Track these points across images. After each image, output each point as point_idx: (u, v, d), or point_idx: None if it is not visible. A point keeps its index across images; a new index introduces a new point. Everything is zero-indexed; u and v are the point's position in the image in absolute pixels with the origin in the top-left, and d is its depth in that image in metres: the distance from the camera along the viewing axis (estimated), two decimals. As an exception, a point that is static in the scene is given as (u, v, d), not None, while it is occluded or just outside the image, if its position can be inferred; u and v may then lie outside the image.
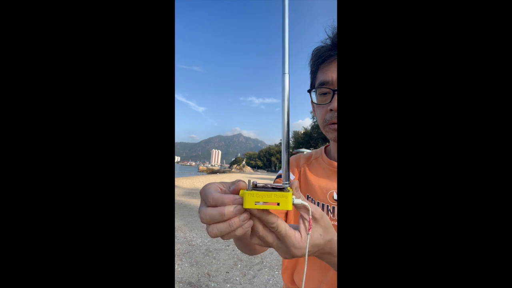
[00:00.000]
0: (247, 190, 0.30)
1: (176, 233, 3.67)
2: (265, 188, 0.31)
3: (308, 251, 0.32)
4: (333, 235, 0.35)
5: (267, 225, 0.32)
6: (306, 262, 0.34)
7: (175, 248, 3.07)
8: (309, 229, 0.32)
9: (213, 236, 0.30)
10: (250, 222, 0.31)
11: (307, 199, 0.60)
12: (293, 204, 0.31)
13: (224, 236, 0.31)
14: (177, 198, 7.11)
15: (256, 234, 0.33)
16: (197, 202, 6.55)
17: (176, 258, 2.79)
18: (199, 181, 13.34)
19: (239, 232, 0.30)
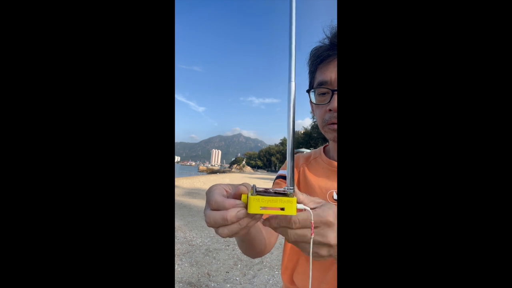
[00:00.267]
0: (251, 195, 0.30)
1: (176, 233, 3.67)
2: (269, 193, 0.31)
3: (331, 254, 0.34)
4: None
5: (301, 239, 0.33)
6: (311, 263, 0.34)
7: (175, 248, 3.07)
8: (311, 234, 0.32)
9: (224, 236, 0.32)
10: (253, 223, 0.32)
11: None
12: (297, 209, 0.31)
13: (233, 234, 0.32)
14: (177, 198, 7.11)
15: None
16: (197, 202, 6.56)
17: (176, 258, 2.79)
18: (199, 181, 13.34)
19: (244, 231, 0.32)
